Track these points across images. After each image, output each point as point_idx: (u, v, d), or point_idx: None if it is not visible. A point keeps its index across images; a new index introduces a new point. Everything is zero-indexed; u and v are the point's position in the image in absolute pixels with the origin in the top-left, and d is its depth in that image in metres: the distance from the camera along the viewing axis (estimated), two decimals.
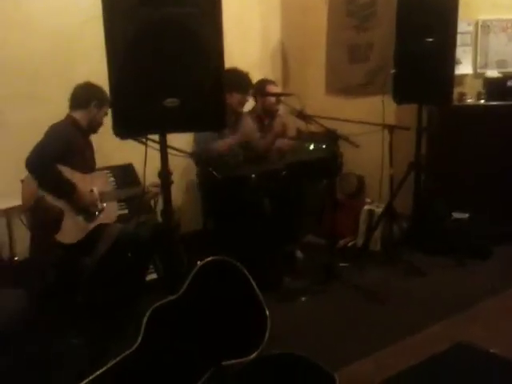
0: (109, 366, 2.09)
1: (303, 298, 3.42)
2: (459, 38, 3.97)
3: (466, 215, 4.12)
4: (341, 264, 3.83)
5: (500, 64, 4.51)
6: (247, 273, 2.54)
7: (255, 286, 2.52)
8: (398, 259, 3.96)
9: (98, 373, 2.06)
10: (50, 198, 2.98)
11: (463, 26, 4.22)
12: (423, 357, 2.66)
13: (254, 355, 2.33)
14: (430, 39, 3.83)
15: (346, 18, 4.91)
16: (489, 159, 4.10)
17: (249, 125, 3.99)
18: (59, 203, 3.01)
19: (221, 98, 2.43)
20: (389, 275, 3.77)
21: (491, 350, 2.68)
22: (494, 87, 4.24)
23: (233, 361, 2.28)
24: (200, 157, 3.64)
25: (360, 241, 4.36)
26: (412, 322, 3.05)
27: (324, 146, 4.04)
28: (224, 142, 3.75)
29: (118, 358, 2.13)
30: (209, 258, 2.49)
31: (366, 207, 4.43)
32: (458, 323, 3.06)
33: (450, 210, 4.12)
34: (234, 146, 3.80)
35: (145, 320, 2.25)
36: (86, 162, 3.28)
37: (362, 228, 4.39)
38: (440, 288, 3.56)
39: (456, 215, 4.13)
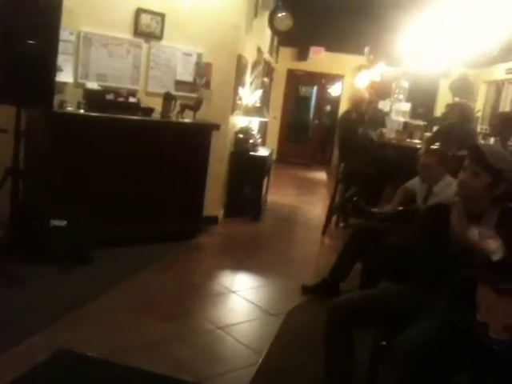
0: None
1: None
2: (62, 46, 3.96)
3: (64, 222, 4.11)
4: None
5: (100, 77, 4.73)
6: None
7: None
8: None
9: None
10: None
11: (66, 34, 4.26)
12: (25, 369, 2.55)
13: None
14: (33, 42, 3.70)
15: None
16: (88, 167, 4.23)
17: None
18: None
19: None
20: None
21: (89, 354, 2.74)
22: (94, 99, 4.41)
23: None
24: None
25: None
26: (11, 334, 2.91)
27: None
28: None
29: None
30: None
31: None
32: (60, 330, 3.05)
33: (49, 217, 4.05)
34: None
35: None
36: None
37: None
38: (41, 296, 3.48)
39: (54, 222, 4.09)
